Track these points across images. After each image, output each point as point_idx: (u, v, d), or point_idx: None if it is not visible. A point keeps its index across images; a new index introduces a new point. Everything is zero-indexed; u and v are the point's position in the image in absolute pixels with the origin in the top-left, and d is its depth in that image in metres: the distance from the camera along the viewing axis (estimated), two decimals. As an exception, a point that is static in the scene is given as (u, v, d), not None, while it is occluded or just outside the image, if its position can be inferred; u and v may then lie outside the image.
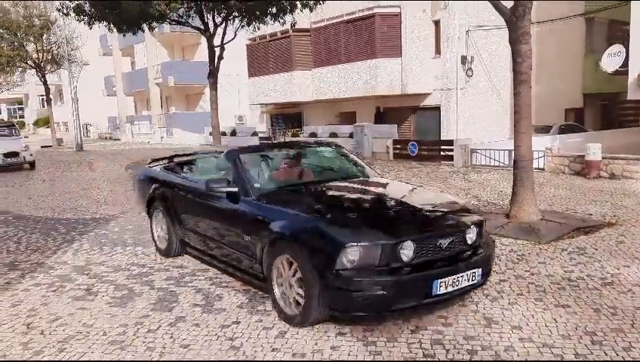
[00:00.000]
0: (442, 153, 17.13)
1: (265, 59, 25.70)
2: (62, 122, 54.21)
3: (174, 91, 38.38)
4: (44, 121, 53.49)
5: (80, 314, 5.30)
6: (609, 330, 4.54)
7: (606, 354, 4.14)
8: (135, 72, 41.40)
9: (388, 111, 22.12)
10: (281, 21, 17.01)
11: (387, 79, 20.24)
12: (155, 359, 4.30)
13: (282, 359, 4.21)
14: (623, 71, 16.87)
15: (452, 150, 16.59)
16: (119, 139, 40.92)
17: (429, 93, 20.32)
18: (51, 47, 33.02)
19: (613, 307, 5.02)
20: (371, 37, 20.39)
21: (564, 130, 19.08)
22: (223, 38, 16.79)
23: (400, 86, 20.19)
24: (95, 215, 10.54)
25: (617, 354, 4.14)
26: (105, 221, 9.88)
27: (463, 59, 19.36)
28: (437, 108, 20.24)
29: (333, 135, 21.48)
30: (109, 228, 9.21)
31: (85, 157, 25.48)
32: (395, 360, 4.15)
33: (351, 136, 20.20)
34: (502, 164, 15.10)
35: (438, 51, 20.09)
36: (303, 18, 21.37)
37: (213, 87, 17.17)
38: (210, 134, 20.79)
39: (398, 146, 18.61)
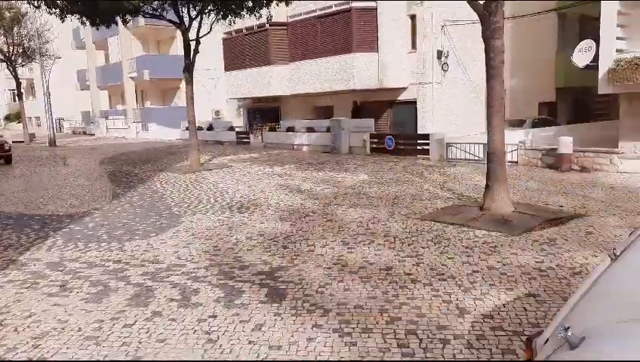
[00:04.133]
0: (419, 147, 17.29)
1: (241, 53, 25.54)
2: (34, 117, 53.07)
3: (150, 85, 37.90)
4: (16, 116, 52.37)
5: (54, 310, 5.26)
6: (577, 318, 4.67)
7: (573, 341, 4.26)
8: (109, 66, 40.76)
9: (365, 106, 22.19)
10: (258, 15, 16.88)
11: (364, 73, 20.30)
12: (131, 355, 4.30)
13: (259, 351, 4.25)
14: (593, 65, 17.19)
15: (428, 144, 16.75)
16: (93, 135, 40.28)
17: (406, 88, 20.46)
18: (22, 40, 32.33)
19: (581, 295, 5.17)
20: (348, 31, 20.42)
21: (537, 123, 19.41)
22: (198, 31, 16.60)
23: (376, 80, 20.28)
24: (69, 211, 10.40)
25: (584, 341, 4.26)
26: (79, 217, 9.76)
27: (439, 53, 19.53)
28: (413, 103, 20.39)
29: (311, 129, 21.49)
30: (82, 224, 9.11)
31: (59, 152, 25.04)
32: (369, 350, 4.22)
33: (328, 130, 20.22)
34: (477, 158, 15.31)
35: (414, 46, 20.21)
36: (280, 12, 21.29)
37: (189, 81, 16.98)
38: (187, 129, 20.61)
39: (375, 140, 18.70)
